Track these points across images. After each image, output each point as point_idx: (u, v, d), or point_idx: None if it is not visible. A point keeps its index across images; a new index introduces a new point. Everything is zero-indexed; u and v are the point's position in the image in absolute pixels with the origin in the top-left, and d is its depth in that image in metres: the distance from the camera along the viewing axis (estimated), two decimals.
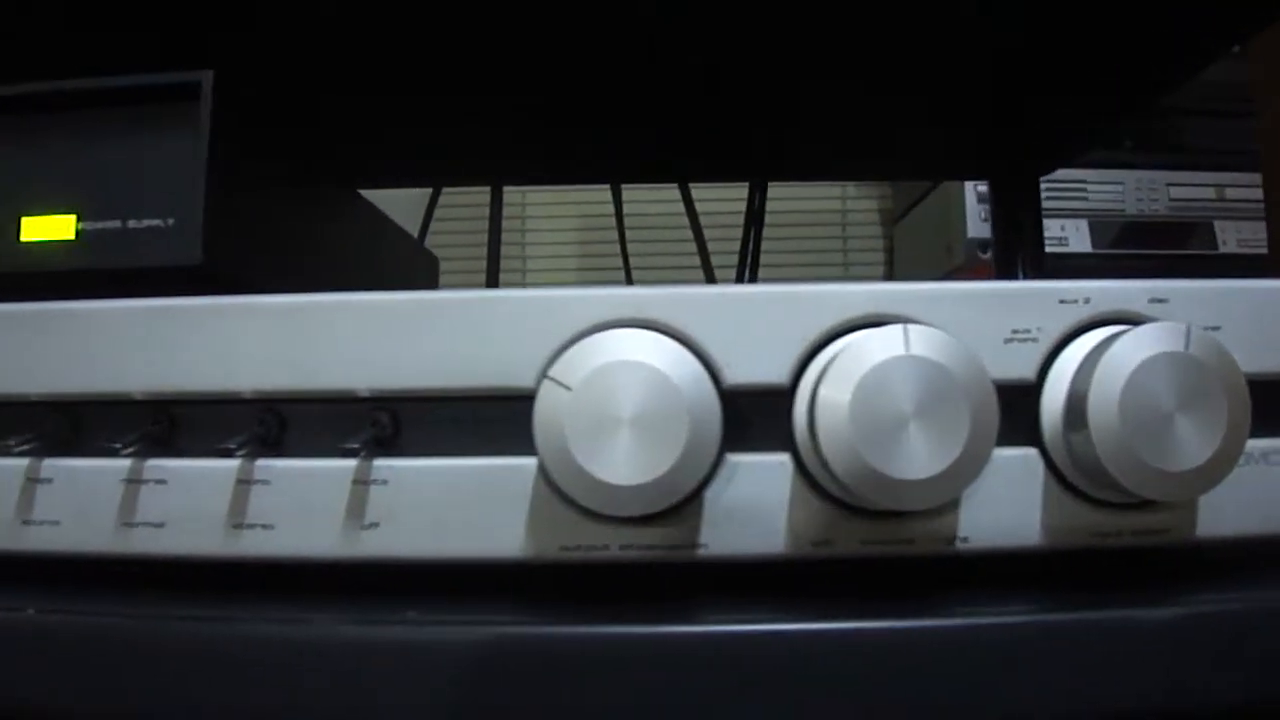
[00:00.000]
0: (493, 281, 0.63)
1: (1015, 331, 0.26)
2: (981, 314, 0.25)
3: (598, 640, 0.22)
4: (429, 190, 0.68)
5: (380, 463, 0.25)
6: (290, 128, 0.50)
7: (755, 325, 0.25)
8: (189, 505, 0.25)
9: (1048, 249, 0.88)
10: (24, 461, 0.26)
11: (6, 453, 0.26)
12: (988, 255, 0.99)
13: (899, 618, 0.22)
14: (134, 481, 0.26)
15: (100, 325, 0.26)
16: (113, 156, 0.28)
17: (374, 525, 0.25)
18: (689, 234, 0.66)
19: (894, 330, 0.23)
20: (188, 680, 0.23)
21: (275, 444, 0.25)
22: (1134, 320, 0.25)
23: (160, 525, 0.25)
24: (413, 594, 0.25)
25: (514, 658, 0.22)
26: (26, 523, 0.26)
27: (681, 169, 0.57)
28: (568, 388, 0.22)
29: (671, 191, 0.66)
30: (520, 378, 0.25)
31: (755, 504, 0.25)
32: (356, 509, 0.25)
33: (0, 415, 0.27)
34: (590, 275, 1.17)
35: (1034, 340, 0.26)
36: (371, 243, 0.41)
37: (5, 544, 0.26)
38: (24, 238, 0.28)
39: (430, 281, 0.48)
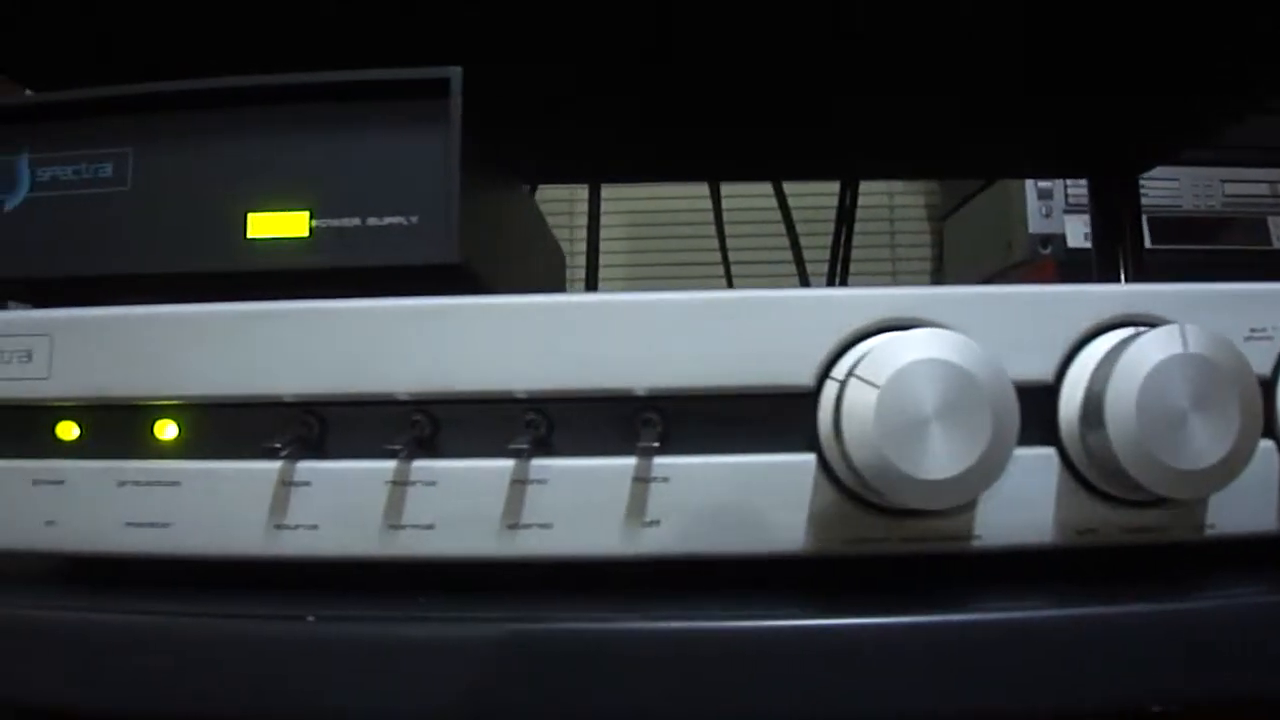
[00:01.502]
0: (592, 280, 0.64)
1: (1254, 330, 0.28)
2: (1231, 314, 0.27)
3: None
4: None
5: (660, 460, 0.26)
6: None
7: (1023, 323, 0.27)
8: (461, 507, 0.26)
9: None
10: (275, 465, 0.27)
11: (260, 455, 0.27)
12: (1048, 251, 1.03)
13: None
14: (400, 483, 0.27)
15: (360, 324, 0.27)
16: (350, 152, 0.28)
17: (654, 523, 0.26)
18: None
19: (1171, 330, 0.25)
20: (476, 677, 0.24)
21: (545, 444, 0.26)
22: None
23: (430, 527, 0.26)
24: (693, 590, 0.26)
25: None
26: (280, 527, 0.27)
27: (775, 166, 0.59)
28: (875, 385, 0.24)
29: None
30: (796, 376, 0.26)
31: (1026, 496, 0.27)
32: (637, 508, 0.26)
33: (249, 417, 0.28)
34: (640, 272, 1.18)
35: (1269, 339, 0.28)
36: (536, 237, 0.42)
37: (260, 549, 0.27)
38: (251, 235, 0.29)
39: (562, 275, 0.49)
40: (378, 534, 0.26)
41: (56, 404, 0.28)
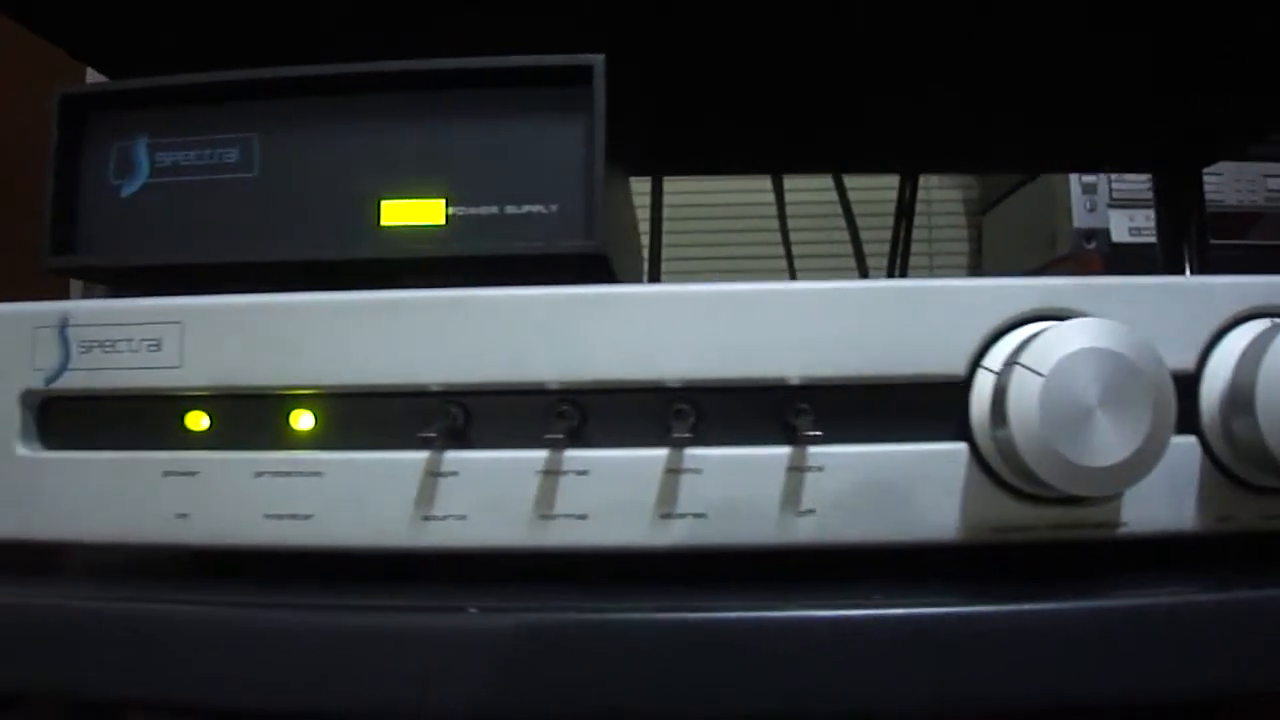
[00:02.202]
0: (655, 273, 0.64)
1: None
2: None
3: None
4: None
5: (815, 450, 0.27)
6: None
7: (1168, 312, 0.28)
8: (614, 496, 0.27)
9: (1146, 239, 0.95)
10: (422, 455, 0.27)
11: (407, 445, 0.27)
12: (1093, 245, 1.05)
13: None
14: (552, 473, 0.27)
15: (511, 313, 0.27)
16: (487, 139, 0.28)
17: (809, 512, 0.27)
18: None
19: None
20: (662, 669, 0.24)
21: (697, 433, 0.27)
22: None
23: (583, 517, 0.27)
24: (850, 579, 0.26)
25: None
26: (427, 518, 0.27)
27: (836, 160, 0.60)
28: (1040, 374, 0.25)
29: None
30: (948, 365, 0.27)
31: (1170, 483, 0.27)
32: (792, 497, 0.27)
33: (390, 407, 0.28)
34: (674, 265, 1.19)
35: None
36: (632, 226, 0.42)
37: (405, 540, 0.27)
38: (385, 222, 0.29)
39: (642, 265, 0.49)
40: (527, 524, 0.26)
41: (187, 393, 0.28)
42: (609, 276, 0.29)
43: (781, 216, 0.62)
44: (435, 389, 0.27)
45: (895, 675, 0.23)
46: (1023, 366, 0.25)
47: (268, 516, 0.27)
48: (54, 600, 0.27)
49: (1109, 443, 0.24)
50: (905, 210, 0.62)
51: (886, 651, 0.24)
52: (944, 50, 0.48)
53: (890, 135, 0.55)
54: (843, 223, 0.67)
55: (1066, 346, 0.25)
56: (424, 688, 0.24)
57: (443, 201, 0.28)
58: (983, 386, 0.26)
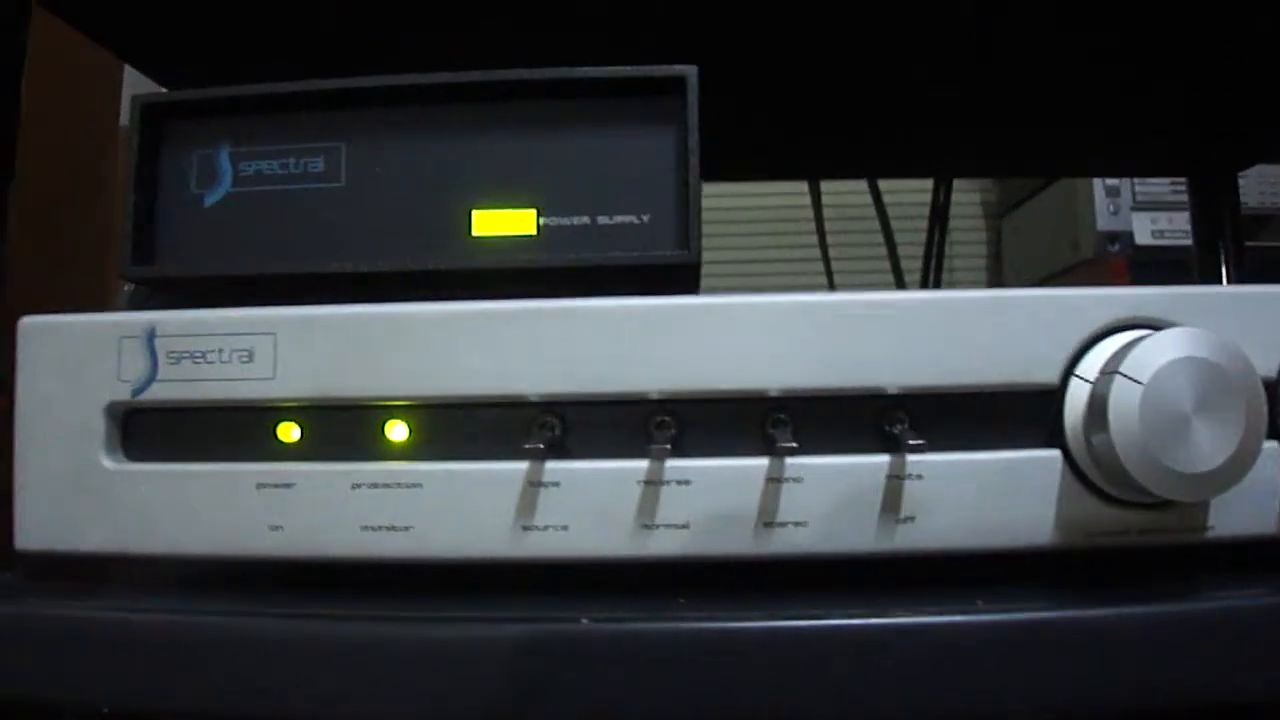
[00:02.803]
0: None
1: None
2: None
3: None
4: None
5: (914, 459, 0.27)
6: None
7: (1251, 321, 0.29)
8: (715, 505, 0.27)
9: (1169, 242, 0.96)
10: (522, 465, 0.28)
11: (508, 456, 0.27)
12: (1116, 248, 1.07)
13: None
14: (654, 483, 0.27)
15: (605, 323, 0.27)
16: (579, 149, 0.29)
17: (909, 519, 0.27)
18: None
19: None
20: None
21: (798, 443, 0.27)
22: None
23: (684, 527, 0.27)
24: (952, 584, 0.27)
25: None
26: (528, 528, 0.28)
27: (872, 164, 0.61)
28: (1139, 382, 0.26)
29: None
30: (1042, 374, 0.28)
31: (1254, 488, 0.28)
32: (892, 504, 0.27)
33: (486, 417, 0.28)
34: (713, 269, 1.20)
35: None
36: None
37: (506, 551, 0.28)
38: (476, 232, 0.29)
39: None
40: (629, 534, 0.27)
41: (280, 405, 0.28)
42: (693, 286, 0.30)
43: (819, 221, 0.63)
44: (534, 399, 0.27)
45: (1006, 678, 0.24)
46: (1123, 375, 0.26)
47: (365, 528, 0.27)
48: (121, 613, 0.27)
49: (1205, 449, 0.25)
50: (940, 214, 0.63)
51: (995, 655, 0.25)
52: (980, 56, 0.49)
53: (925, 140, 0.56)
54: (859, 227, 0.68)
55: (1164, 355, 0.26)
56: (534, 699, 0.24)
57: (534, 211, 0.29)
58: (1076, 395, 0.27)
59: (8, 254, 0.30)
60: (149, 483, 0.28)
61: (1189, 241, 1.09)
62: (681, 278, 0.29)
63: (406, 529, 0.27)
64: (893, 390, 0.27)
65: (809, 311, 0.27)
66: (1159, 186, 1.08)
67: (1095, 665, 0.25)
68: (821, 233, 0.63)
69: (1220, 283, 0.62)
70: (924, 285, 0.65)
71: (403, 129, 0.29)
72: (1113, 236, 1.08)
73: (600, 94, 0.28)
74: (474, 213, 0.29)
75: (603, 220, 0.28)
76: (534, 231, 0.28)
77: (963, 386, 0.27)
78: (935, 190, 0.64)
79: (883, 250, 0.68)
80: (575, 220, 0.28)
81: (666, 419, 0.27)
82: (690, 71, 0.28)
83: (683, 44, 0.46)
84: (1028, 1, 0.43)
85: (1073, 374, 0.27)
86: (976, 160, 0.60)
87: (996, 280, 1.39)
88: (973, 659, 0.24)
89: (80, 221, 0.40)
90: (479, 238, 0.29)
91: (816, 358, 0.27)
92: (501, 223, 0.28)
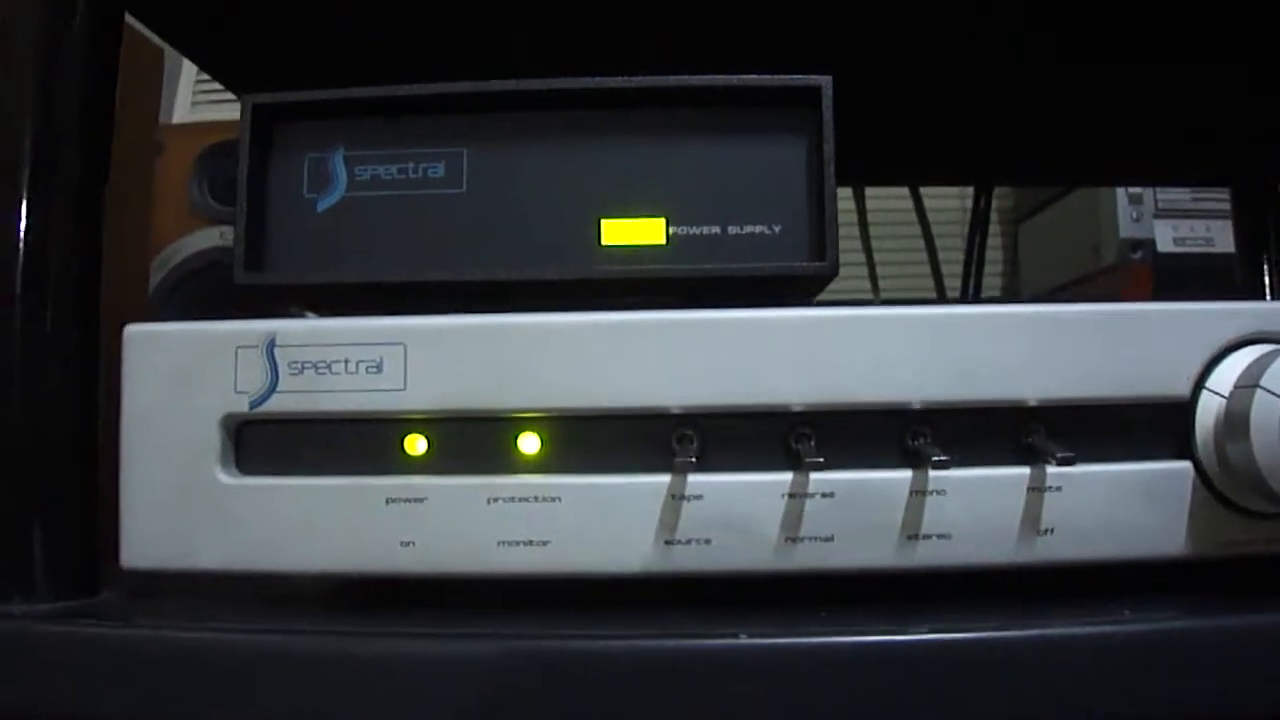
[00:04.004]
0: None
1: None
2: None
3: None
4: None
5: (1054, 470, 0.28)
6: None
7: None
8: (861, 518, 0.28)
9: (1191, 249, 0.99)
10: (664, 478, 0.28)
11: (650, 469, 0.27)
12: (1138, 256, 1.10)
13: None
14: (799, 496, 0.28)
15: (746, 334, 0.28)
16: (709, 158, 0.29)
17: (1049, 531, 0.28)
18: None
19: None
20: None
21: (937, 455, 0.28)
22: None
23: (829, 540, 0.28)
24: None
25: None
26: (670, 542, 0.28)
27: (913, 172, 0.62)
28: (1278, 395, 0.27)
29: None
30: (1173, 387, 0.29)
31: None
32: (1033, 516, 0.28)
33: (622, 430, 0.28)
34: None
35: None
36: None
37: (647, 565, 0.28)
38: (605, 242, 0.30)
39: None
40: (774, 548, 0.28)
41: (410, 417, 0.28)
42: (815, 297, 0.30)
43: (863, 226, 0.64)
44: (675, 411, 0.28)
45: (1156, 686, 0.25)
46: (1264, 389, 0.27)
47: (502, 544, 0.28)
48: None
49: None
50: (980, 220, 0.65)
51: (1143, 664, 0.26)
52: (1022, 64, 0.51)
53: (967, 148, 0.58)
54: (889, 232, 0.69)
55: None
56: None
57: (663, 221, 0.29)
58: (1207, 407, 0.29)
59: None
60: (269, 497, 0.28)
61: (1211, 249, 1.13)
62: (807, 289, 0.30)
63: (544, 544, 0.27)
64: (1032, 402, 0.28)
65: (950, 324, 0.28)
66: (1180, 194, 1.12)
67: (1242, 673, 0.26)
68: (866, 239, 0.65)
69: (1264, 296, 0.64)
70: (964, 291, 0.67)
71: (527, 135, 0.29)
72: (1135, 244, 1.11)
73: (731, 102, 0.29)
74: (603, 222, 0.29)
75: (733, 230, 0.29)
76: (663, 241, 0.29)
77: (1097, 399, 0.28)
78: (976, 198, 0.66)
79: (909, 255, 0.70)
80: (705, 230, 0.29)
81: (808, 431, 0.28)
82: (825, 81, 0.28)
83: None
84: (1070, 8, 0.44)
85: (1203, 387, 0.29)
86: (1016, 169, 0.62)
87: (1014, 285, 1.42)
88: (1124, 668, 0.26)
89: (124, 213, 0.39)
90: (608, 247, 0.29)
91: (958, 370, 0.28)
92: (630, 232, 0.29)
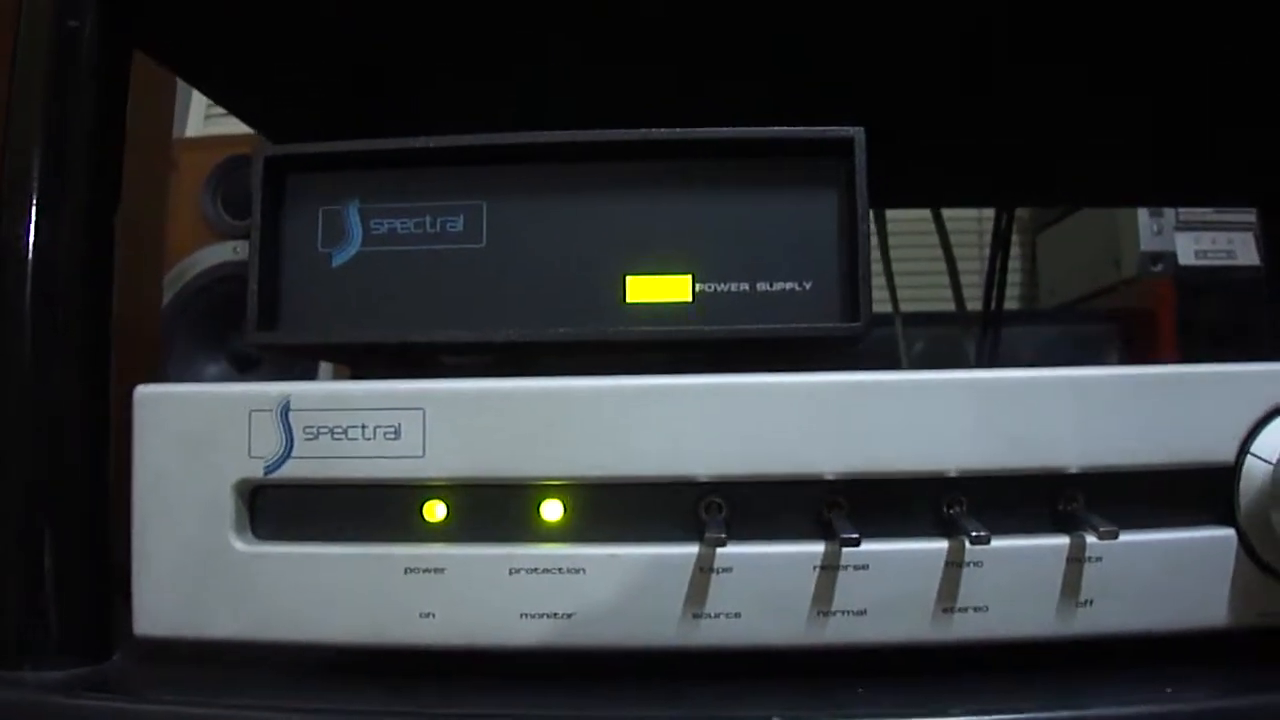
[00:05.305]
0: None
1: None
2: None
3: None
4: None
5: (1092, 540, 0.28)
6: None
7: None
8: (895, 591, 0.27)
9: (1213, 262, 0.98)
10: (693, 549, 0.27)
11: (675, 540, 0.27)
12: (1159, 268, 1.09)
13: None
14: (831, 568, 0.27)
15: (771, 401, 0.27)
16: (737, 212, 0.28)
17: (1088, 603, 0.28)
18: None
19: None
20: None
21: (972, 525, 0.27)
22: None
23: (861, 613, 0.27)
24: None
25: None
26: (698, 615, 0.27)
27: (933, 194, 0.61)
28: None
29: None
30: (1217, 452, 0.28)
31: None
32: (1072, 587, 0.28)
33: (648, 498, 0.28)
34: None
35: None
36: None
37: (674, 639, 0.27)
38: (630, 299, 0.29)
39: None
40: (805, 621, 0.27)
41: (429, 484, 0.28)
42: (852, 359, 0.29)
43: (884, 249, 0.63)
44: (703, 480, 0.27)
45: None
46: None
47: (525, 615, 0.27)
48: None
49: None
50: (1001, 241, 0.64)
51: None
52: (1041, 89, 0.50)
53: (988, 169, 0.57)
54: (903, 242, 0.68)
55: None
56: None
57: (690, 277, 0.28)
58: (1252, 473, 0.28)
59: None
60: (284, 565, 0.27)
61: (1232, 262, 1.12)
62: (839, 349, 0.29)
63: (569, 616, 0.27)
64: (1072, 470, 0.27)
65: (986, 389, 0.27)
66: (1202, 207, 1.11)
67: None
68: (887, 260, 0.64)
69: None
70: (985, 309, 0.66)
71: (549, 187, 0.28)
72: (1156, 257, 1.10)
73: (760, 154, 0.28)
74: (628, 278, 0.28)
75: (762, 287, 0.28)
76: (689, 298, 0.28)
77: (1138, 465, 0.28)
78: (998, 218, 0.65)
79: (928, 266, 0.68)
80: (733, 287, 0.28)
81: (840, 500, 0.27)
82: (858, 133, 0.27)
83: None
84: (1093, 35, 0.43)
85: (1248, 451, 0.28)
86: (1039, 189, 0.61)
87: (1032, 295, 1.41)
88: None
89: (135, 236, 0.39)
90: (633, 304, 0.28)
91: (995, 437, 0.27)
92: (656, 289, 0.28)
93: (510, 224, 0.28)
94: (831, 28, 0.38)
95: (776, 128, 0.28)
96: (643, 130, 0.28)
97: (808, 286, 0.28)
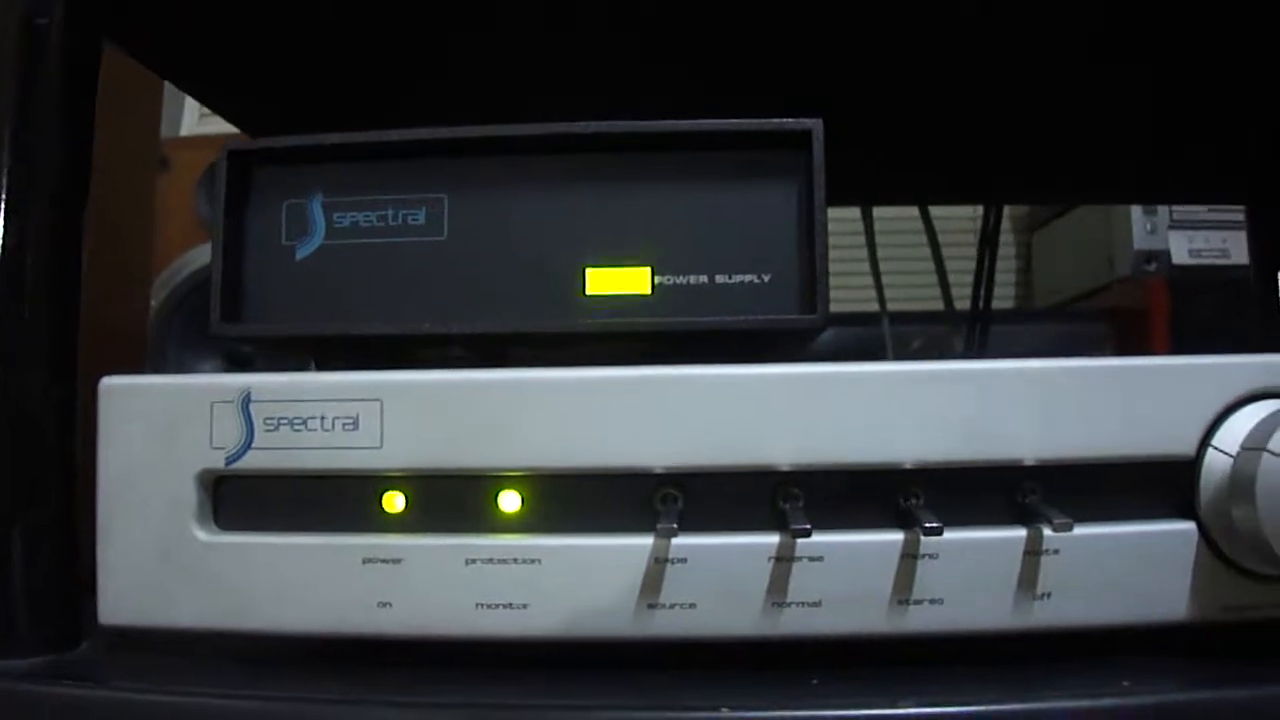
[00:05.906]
0: None
1: None
2: None
3: None
4: None
5: (1049, 532, 0.27)
6: None
7: None
8: (849, 583, 0.27)
9: (1206, 261, 0.98)
10: (648, 540, 0.27)
11: (632, 530, 0.27)
12: (1153, 267, 1.09)
13: None
14: (785, 559, 0.27)
15: (728, 392, 0.27)
16: (696, 204, 0.28)
17: (1045, 596, 0.28)
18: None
19: None
20: None
21: (926, 517, 0.27)
22: None
23: (816, 604, 0.27)
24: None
25: None
26: (654, 606, 0.27)
27: (921, 191, 0.61)
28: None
29: None
30: (1178, 445, 0.28)
31: None
32: (1029, 580, 0.27)
33: (605, 489, 0.28)
34: None
35: None
36: None
37: (628, 630, 0.27)
38: (590, 291, 0.29)
39: None
40: (760, 612, 0.27)
41: (387, 475, 0.28)
42: (809, 350, 0.29)
43: (871, 247, 0.63)
44: (659, 471, 0.27)
45: None
46: (1270, 453, 0.26)
47: (480, 606, 0.27)
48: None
49: None
50: (989, 239, 0.64)
51: None
52: (1036, 84, 0.49)
53: (977, 167, 0.56)
54: (893, 241, 0.68)
55: None
56: None
57: (649, 270, 0.28)
58: (1213, 467, 0.28)
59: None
60: (246, 555, 0.28)
61: (1226, 261, 1.11)
62: (797, 341, 0.29)
63: (523, 607, 0.27)
64: (1029, 462, 0.27)
65: (943, 381, 0.27)
66: (1196, 206, 1.10)
67: None
68: (874, 258, 0.64)
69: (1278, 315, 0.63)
70: (974, 307, 0.66)
71: (510, 180, 0.28)
72: (1150, 255, 1.09)
73: (718, 146, 0.28)
74: (588, 270, 0.28)
75: (721, 279, 0.28)
76: (648, 291, 0.28)
77: (1098, 458, 0.27)
78: (985, 216, 0.64)
79: (917, 265, 0.68)
80: (692, 279, 0.28)
81: (796, 491, 0.27)
82: (816, 125, 0.27)
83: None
84: (1087, 31, 0.43)
85: (1209, 444, 0.28)
86: (1028, 187, 0.61)
87: (1027, 294, 1.40)
88: None
89: (121, 234, 0.39)
90: (593, 297, 0.28)
91: (952, 429, 0.27)
92: (615, 281, 0.28)
93: (471, 216, 0.29)
94: (808, 19, 0.38)
95: (736, 120, 0.28)
96: (603, 123, 0.28)
97: (766, 279, 0.28)
